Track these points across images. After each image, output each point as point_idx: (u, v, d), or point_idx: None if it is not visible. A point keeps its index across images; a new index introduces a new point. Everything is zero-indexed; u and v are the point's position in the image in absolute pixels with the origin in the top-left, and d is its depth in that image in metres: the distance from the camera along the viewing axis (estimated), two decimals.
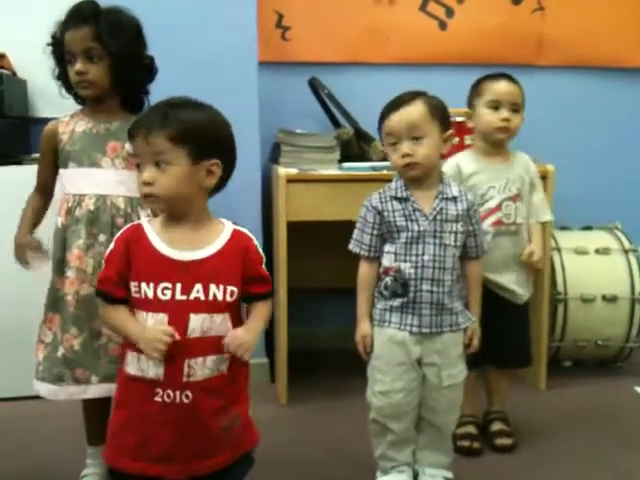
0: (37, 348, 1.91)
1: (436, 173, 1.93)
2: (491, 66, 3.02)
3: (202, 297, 1.47)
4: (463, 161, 2.25)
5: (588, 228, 3.12)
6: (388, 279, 1.91)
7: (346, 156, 2.74)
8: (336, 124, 2.97)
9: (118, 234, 1.55)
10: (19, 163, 2.60)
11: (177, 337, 1.45)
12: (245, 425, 1.59)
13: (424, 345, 1.90)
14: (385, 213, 1.90)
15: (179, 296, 1.46)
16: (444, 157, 1.99)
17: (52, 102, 1.98)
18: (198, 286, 1.47)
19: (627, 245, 2.95)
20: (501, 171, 2.23)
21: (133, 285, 1.48)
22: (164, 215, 1.53)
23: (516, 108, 2.22)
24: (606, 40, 3.31)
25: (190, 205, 1.50)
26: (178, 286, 1.46)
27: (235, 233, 1.55)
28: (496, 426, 2.33)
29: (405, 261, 1.89)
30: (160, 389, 1.46)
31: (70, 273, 1.85)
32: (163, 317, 1.46)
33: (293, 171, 2.57)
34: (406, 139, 1.86)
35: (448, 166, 2.20)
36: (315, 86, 2.96)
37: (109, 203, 1.86)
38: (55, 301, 1.88)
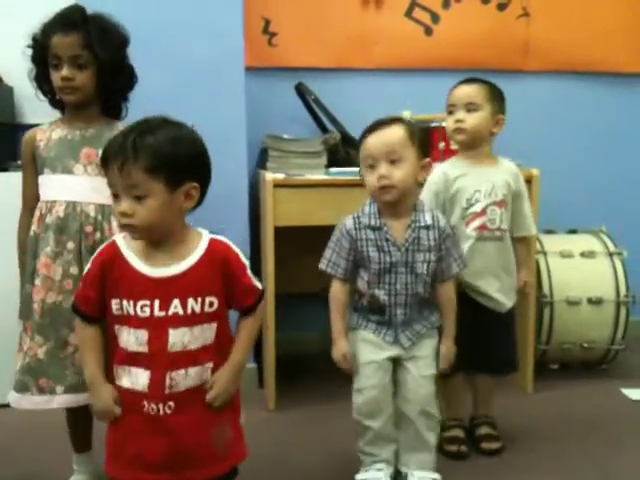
0: (18, 357, 1.90)
1: (410, 200, 1.93)
2: (477, 71, 3.03)
3: (180, 312, 1.47)
4: (449, 166, 2.25)
5: (573, 231, 3.15)
6: (363, 300, 1.97)
7: (333, 161, 2.75)
8: (323, 129, 2.99)
9: (95, 254, 1.55)
10: (5, 170, 2.59)
11: (119, 412, 1.50)
12: (236, 436, 1.60)
13: (400, 347, 1.95)
14: (358, 242, 1.92)
15: (157, 312, 1.47)
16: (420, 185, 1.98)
17: (39, 109, 1.97)
18: (176, 301, 1.47)
19: (612, 248, 2.97)
20: (487, 175, 2.22)
21: (115, 302, 1.49)
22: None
23: (471, 108, 2.18)
24: (591, 45, 3.34)
25: (168, 229, 1.49)
26: (156, 303, 1.47)
27: (212, 243, 1.53)
28: (483, 430, 2.34)
29: (378, 288, 1.92)
30: (145, 401, 1.48)
31: (37, 281, 1.84)
32: (143, 334, 1.47)
33: (280, 176, 2.58)
34: (384, 161, 1.86)
35: (434, 174, 2.20)
36: (302, 91, 2.97)
37: (79, 210, 1.85)
38: (28, 309, 1.87)
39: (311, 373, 3.01)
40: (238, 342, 1.58)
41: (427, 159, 1.92)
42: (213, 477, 1.56)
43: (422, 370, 1.96)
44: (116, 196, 1.45)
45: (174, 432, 1.49)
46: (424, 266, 1.91)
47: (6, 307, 2.07)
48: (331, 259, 1.97)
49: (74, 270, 1.82)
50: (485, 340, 2.20)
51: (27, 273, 1.89)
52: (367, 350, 1.96)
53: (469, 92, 2.20)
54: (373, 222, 1.92)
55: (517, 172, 2.29)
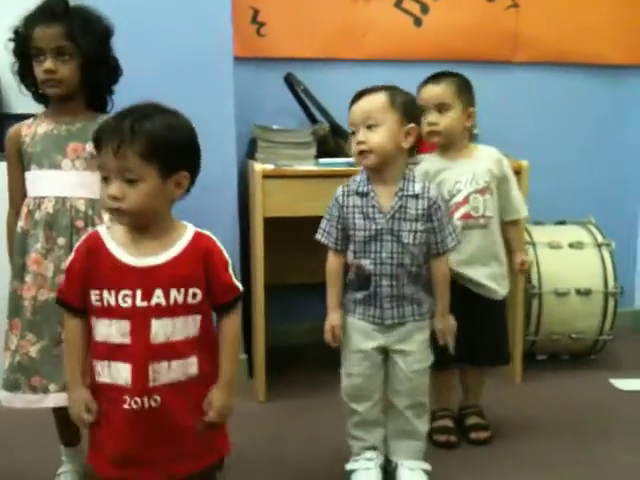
0: (4, 356, 1.87)
1: (397, 167, 1.92)
2: (466, 63, 3.06)
3: (163, 302, 1.46)
4: (428, 163, 2.24)
5: (562, 223, 3.16)
6: (351, 274, 1.97)
7: (322, 152, 2.74)
8: (312, 120, 2.98)
9: (77, 243, 1.53)
10: None
11: (91, 419, 1.48)
12: (220, 429, 1.58)
13: (388, 335, 1.95)
14: (345, 209, 1.93)
15: (140, 302, 1.45)
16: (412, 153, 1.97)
17: (25, 99, 1.94)
18: (158, 291, 1.45)
19: (600, 239, 2.99)
20: (467, 165, 2.21)
21: (94, 294, 1.47)
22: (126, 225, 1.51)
23: (443, 108, 2.18)
24: (581, 37, 3.34)
25: (155, 216, 1.48)
26: (138, 292, 1.45)
27: (197, 235, 1.52)
28: (472, 420, 2.35)
29: (364, 258, 1.92)
30: (127, 396, 1.45)
31: (28, 278, 1.82)
32: (126, 324, 1.45)
33: (269, 167, 2.57)
34: (362, 127, 1.87)
35: (416, 173, 2.20)
36: (291, 82, 2.95)
37: (68, 205, 1.83)
38: (17, 307, 1.85)
39: (301, 364, 3.01)
40: (225, 354, 1.54)
41: (411, 124, 1.89)
42: (198, 470, 1.54)
43: (411, 365, 1.96)
44: (106, 179, 1.43)
45: (160, 427, 1.47)
46: (410, 235, 1.90)
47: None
48: (325, 228, 1.98)
49: None
50: (477, 329, 2.20)
51: (14, 270, 1.87)
52: (356, 338, 1.96)
53: (438, 92, 2.19)
54: (361, 188, 1.92)
55: (499, 157, 2.27)
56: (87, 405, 1.49)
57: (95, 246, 1.48)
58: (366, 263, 1.91)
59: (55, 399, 1.81)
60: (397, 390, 1.98)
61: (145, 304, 1.45)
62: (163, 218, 1.50)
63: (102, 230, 1.51)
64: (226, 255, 1.53)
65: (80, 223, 1.83)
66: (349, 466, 2.02)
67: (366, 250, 1.91)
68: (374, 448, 2.02)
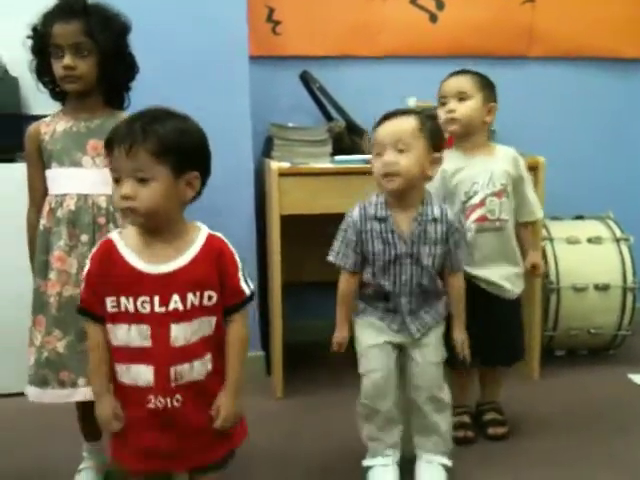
0: (29, 352, 1.90)
1: (418, 193, 1.91)
2: (482, 58, 3.06)
3: (180, 307, 1.47)
4: (445, 160, 2.24)
5: (580, 218, 3.14)
6: (370, 290, 1.98)
7: (338, 149, 2.74)
8: (328, 117, 2.98)
9: (92, 252, 1.55)
10: (12, 160, 2.60)
11: (121, 425, 1.51)
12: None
13: (405, 335, 1.97)
14: (364, 235, 1.92)
15: (158, 308, 1.47)
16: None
17: (44, 100, 1.97)
18: (175, 297, 1.47)
19: (619, 234, 2.97)
20: (484, 165, 2.20)
21: (110, 300, 1.48)
22: (138, 228, 1.51)
23: (462, 97, 2.18)
24: (597, 31, 3.31)
25: (167, 218, 1.49)
26: (156, 299, 1.47)
27: (209, 238, 1.53)
28: (489, 415, 2.35)
29: (384, 279, 1.93)
30: (152, 396, 1.48)
31: (52, 275, 1.85)
32: (146, 328, 1.47)
33: (285, 165, 2.58)
34: (391, 149, 1.86)
35: None
36: (306, 80, 2.96)
37: (90, 202, 1.85)
38: (41, 304, 1.87)
39: (318, 361, 3.02)
40: (231, 359, 1.55)
41: (438, 154, 1.90)
42: (215, 460, 1.59)
43: (428, 357, 1.97)
44: (117, 181, 1.45)
45: (181, 424, 1.50)
46: (430, 259, 1.91)
47: (16, 300, 2.08)
48: (340, 251, 1.96)
49: None
50: (492, 328, 2.20)
51: (37, 267, 1.89)
52: (370, 334, 1.97)
53: (459, 82, 2.20)
54: (379, 213, 1.91)
55: (516, 157, 2.27)
56: (115, 414, 1.52)
57: (109, 254, 1.50)
58: (385, 284, 1.93)
59: (84, 393, 1.83)
60: (415, 385, 1.99)
61: (163, 310, 1.47)
62: (175, 221, 1.51)
63: (115, 237, 1.52)
64: (237, 258, 1.54)
65: (102, 220, 1.85)
66: (366, 462, 2.03)
67: (385, 273, 1.92)
68: (392, 446, 2.02)
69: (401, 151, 1.84)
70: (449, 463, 2.03)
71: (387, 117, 1.91)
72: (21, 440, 2.34)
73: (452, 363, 2.07)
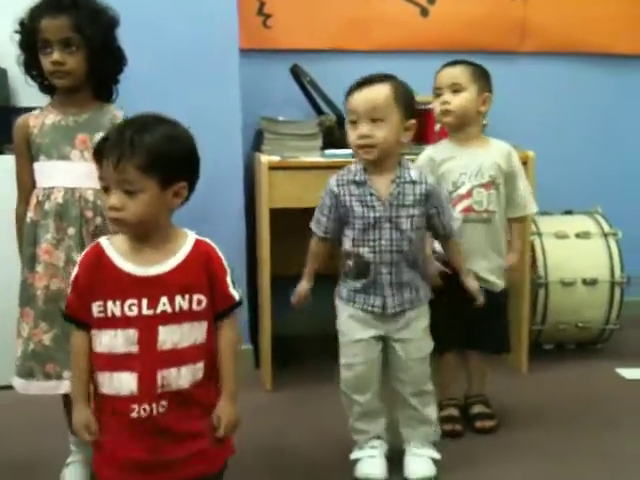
0: (17, 343, 1.90)
1: (394, 158, 1.93)
2: (473, 53, 3.04)
3: (169, 310, 1.47)
4: (435, 150, 2.26)
5: (569, 212, 3.15)
6: (350, 262, 1.97)
7: (328, 143, 2.75)
8: (318, 111, 2.98)
9: (80, 257, 1.54)
10: (1, 153, 2.59)
11: (94, 438, 1.50)
12: None
13: (388, 324, 1.96)
14: (342, 198, 1.93)
15: (146, 311, 1.46)
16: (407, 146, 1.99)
17: (33, 91, 1.96)
18: (164, 299, 1.47)
19: (607, 229, 2.99)
20: (474, 157, 2.21)
21: (97, 305, 1.48)
22: (127, 235, 1.51)
23: (456, 88, 2.19)
24: (589, 26, 3.33)
25: (155, 226, 1.49)
26: (144, 301, 1.46)
27: (197, 243, 1.53)
28: (477, 409, 2.36)
29: (363, 246, 1.92)
30: (136, 405, 1.46)
31: (39, 268, 1.84)
32: (133, 332, 1.46)
33: (275, 158, 2.58)
34: (365, 120, 1.86)
35: (421, 157, 2.24)
36: (297, 73, 2.96)
37: (78, 196, 1.85)
38: (28, 296, 1.87)
39: (307, 354, 3.03)
40: (225, 366, 1.55)
41: (412, 121, 1.91)
42: (205, 473, 1.55)
43: (412, 353, 1.97)
44: (106, 189, 1.45)
45: (165, 432, 1.48)
46: (408, 221, 1.91)
47: (5, 292, 2.07)
48: (316, 217, 2.00)
49: (76, 256, 1.80)
50: (477, 320, 2.21)
51: (25, 260, 1.89)
52: (355, 328, 1.97)
53: (453, 73, 2.21)
54: (358, 177, 1.92)
55: (509, 152, 2.27)
56: (88, 426, 1.50)
57: (98, 259, 1.50)
58: (365, 251, 1.92)
59: (69, 385, 1.82)
60: (399, 378, 2.00)
61: (151, 312, 1.47)
62: (164, 227, 1.51)
63: (104, 242, 1.52)
64: (225, 263, 1.55)
65: (89, 213, 1.85)
66: (354, 455, 2.04)
67: (365, 238, 1.92)
68: (378, 437, 2.03)
69: (375, 121, 1.85)
70: (438, 456, 2.04)
71: (361, 84, 1.91)
72: (10, 433, 2.34)
73: (436, 347, 2.07)
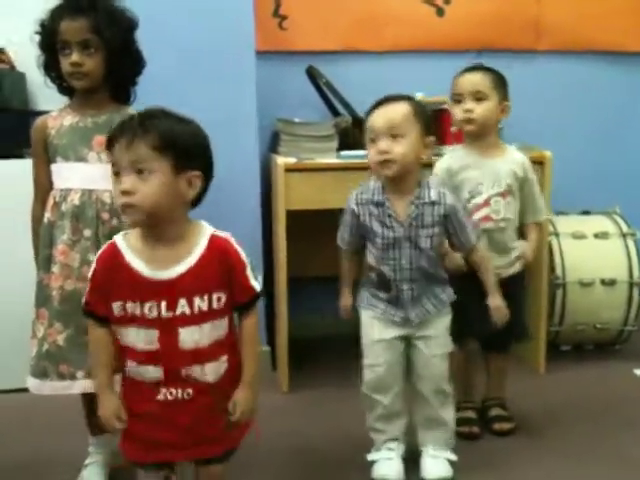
0: (31, 344, 1.92)
1: (413, 177, 1.92)
2: (489, 52, 3.05)
3: (187, 311, 1.48)
4: (452, 158, 2.24)
5: (586, 213, 3.13)
6: (373, 275, 1.99)
7: (344, 144, 2.74)
8: (334, 112, 2.98)
9: (98, 253, 1.55)
10: (20, 157, 2.61)
11: (124, 426, 1.53)
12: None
13: (410, 327, 1.98)
14: (361, 217, 1.94)
15: (165, 313, 1.47)
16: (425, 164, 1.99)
17: (52, 95, 1.98)
18: (182, 301, 1.47)
19: (625, 229, 2.96)
20: (491, 165, 2.20)
21: (117, 305, 1.49)
22: (141, 230, 1.51)
23: (480, 97, 2.16)
24: (604, 24, 3.30)
25: (169, 218, 1.47)
26: (163, 304, 1.47)
27: (213, 239, 1.51)
28: (494, 411, 2.35)
29: (384, 264, 1.94)
30: (163, 388, 1.50)
31: (55, 269, 1.86)
32: (154, 332, 1.48)
33: (292, 160, 2.58)
34: (385, 136, 1.86)
35: (438, 165, 2.22)
36: (313, 75, 2.96)
37: (94, 198, 1.86)
38: (44, 297, 1.89)
39: (324, 356, 3.03)
40: (246, 355, 1.57)
41: (431, 137, 1.91)
42: (220, 452, 1.61)
43: (433, 349, 1.98)
44: (117, 175, 1.43)
45: (189, 415, 1.52)
46: (427, 241, 1.92)
47: (22, 294, 2.09)
48: (340, 232, 2.03)
49: (92, 257, 1.81)
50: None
51: (40, 261, 1.91)
52: (377, 328, 1.99)
53: (476, 81, 2.18)
54: (376, 198, 1.93)
55: (524, 161, 2.26)
56: (117, 414, 1.53)
57: (114, 260, 1.49)
58: (386, 269, 1.94)
59: (82, 385, 1.85)
60: (420, 376, 2.00)
61: (170, 314, 1.48)
62: (178, 222, 1.50)
63: (119, 241, 1.51)
64: (243, 256, 1.54)
65: (105, 215, 1.86)
66: (371, 456, 2.04)
67: (384, 257, 1.94)
68: (396, 439, 2.04)
69: (395, 137, 1.85)
70: (454, 458, 2.04)
71: (380, 103, 1.91)
72: (28, 435, 2.36)
73: (460, 341, 2.10)
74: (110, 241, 1.55)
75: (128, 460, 1.61)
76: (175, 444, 1.54)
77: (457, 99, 2.21)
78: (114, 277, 1.49)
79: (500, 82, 2.21)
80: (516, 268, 2.28)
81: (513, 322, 2.27)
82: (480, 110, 2.17)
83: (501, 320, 2.07)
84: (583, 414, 2.45)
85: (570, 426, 2.36)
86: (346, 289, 2.10)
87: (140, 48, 1.95)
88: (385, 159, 1.86)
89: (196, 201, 1.53)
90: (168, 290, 1.47)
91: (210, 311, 1.50)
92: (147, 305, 1.47)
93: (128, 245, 1.50)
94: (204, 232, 1.53)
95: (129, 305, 1.48)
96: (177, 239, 1.50)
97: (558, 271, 2.87)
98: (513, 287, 2.27)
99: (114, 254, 1.50)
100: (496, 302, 2.06)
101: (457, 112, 2.21)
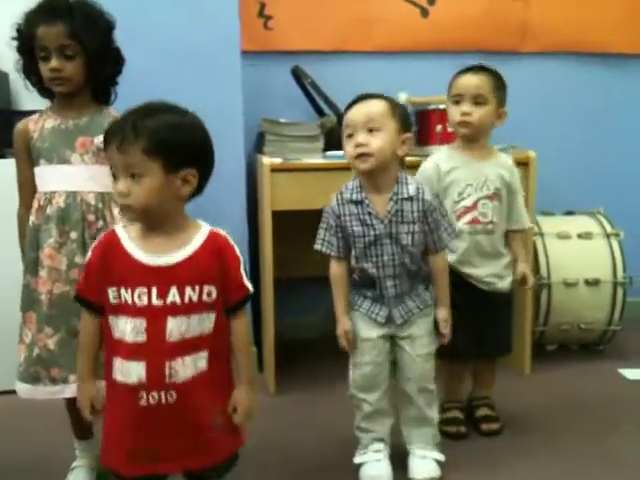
0: (19, 349, 1.90)
1: (391, 173, 1.92)
2: (474, 53, 3.06)
3: (178, 301, 1.48)
4: (441, 158, 2.22)
5: (570, 213, 3.15)
6: (355, 276, 1.99)
7: (330, 144, 2.74)
8: (320, 113, 2.98)
9: (94, 242, 1.56)
10: (2, 157, 2.59)
11: (91, 418, 1.55)
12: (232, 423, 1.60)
13: (395, 327, 1.98)
14: (342, 218, 1.93)
15: (155, 301, 1.47)
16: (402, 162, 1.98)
17: (34, 95, 1.95)
18: (174, 290, 1.47)
19: (609, 229, 2.98)
20: (480, 168, 2.20)
21: (112, 291, 1.49)
22: (140, 223, 1.52)
23: (479, 101, 2.14)
24: (589, 26, 3.32)
25: (165, 214, 1.49)
26: (154, 291, 1.47)
27: (211, 234, 1.53)
28: (482, 411, 2.36)
29: (366, 261, 1.94)
30: (144, 392, 1.47)
31: (43, 273, 1.84)
32: (141, 322, 1.47)
33: (277, 160, 2.57)
34: (362, 130, 1.86)
35: (427, 164, 2.22)
36: (298, 75, 2.96)
37: (79, 199, 1.85)
38: (31, 301, 1.87)
39: (311, 357, 3.02)
40: (241, 356, 1.57)
41: (408, 134, 1.91)
42: (213, 464, 1.57)
43: (418, 349, 1.99)
44: (115, 176, 1.46)
45: (173, 421, 1.49)
46: (408, 237, 1.92)
47: (6, 296, 2.07)
48: (324, 238, 1.98)
49: (79, 259, 1.81)
50: (483, 322, 2.21)
51: (27, 264, 1.89)
52: (363, 327, 1.99)
53: (477, 83, 2.15)
54: (355, 196, 1.92)
55: (512, 166, 2.26)
56: (92, 401, 1.53)
57: (111, 244, 1.51)
58: (368, 267, 1.94)
59: (74, 389, 1.81)
60: (406, 376, 2.01)
61: (161, 303, 1.47)
62: (176, 216, 1.51)
63: (119, 229, 1.54)
64: (239, 254, 1.55)
65: (91, 217, 1.85)
66: (358, 459, 2.04)
67: (367, 255, 1.93)
68: (382, 440, 2.04)
69: (372, 131, 1.86)
70: (442, 458, 2.04)
71: (358, 100, 1.92)
72: (14, 438, 2.34)
73: (441, 354, 2.07)
74: (109, 229, 1.56)
75: (111, 471, 1.58)
76: (162, 455, 1.50)
77: (456, 100, 2.19)
78: (110, 263, 1.49)
79: (500, 86, 2.19)
80: (507, 283, 2.27)
81: (500, 339, 2.29)
82: (478, 114, 2.15)
83: (447, 333, 2.03)
84: (568, 414, 2.46)
85: (556, 426, 2.37)
86: (342, 311, 2.00)
87: (119, 46, 1.93)
88: (362, 152, 1.86)
89: (196, 192, 1.53)
90: (161, 276, 1.47)
91: (200, 303, 1.50)
92: (137, 291, 1.47)
93: (127, 234, 1.52)
94: (203, 227, 1.55)
95: (122, 291, 1.48)
96: (175, 230, 1.51)
97: (543, 271, 2.89)
98: (503, 306, 2.29)
99: (111, 241, 1.51)
100: (444, 314, 2.03)
101: (454, 113, 2.19)
